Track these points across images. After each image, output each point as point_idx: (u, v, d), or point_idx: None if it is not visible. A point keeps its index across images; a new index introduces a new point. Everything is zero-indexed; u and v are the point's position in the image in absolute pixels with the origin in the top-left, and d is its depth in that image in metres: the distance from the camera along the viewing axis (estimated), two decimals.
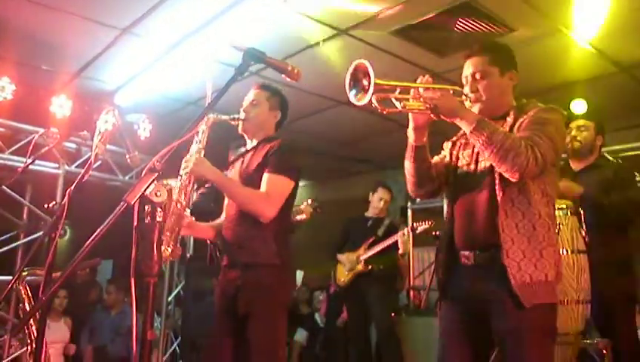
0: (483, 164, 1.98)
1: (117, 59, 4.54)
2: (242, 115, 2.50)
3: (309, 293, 6.75)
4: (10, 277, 3.80)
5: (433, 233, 4.54)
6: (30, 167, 3.99)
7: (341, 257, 4.93)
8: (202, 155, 2.31)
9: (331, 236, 5.24)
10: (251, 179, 2.42)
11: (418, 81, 1.90)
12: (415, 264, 6.40)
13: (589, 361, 3.27)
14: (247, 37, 4.00)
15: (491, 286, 1.87)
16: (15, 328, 4.27)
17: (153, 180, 1.35)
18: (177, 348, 5.90)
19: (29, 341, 2.44)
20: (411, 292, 6.19)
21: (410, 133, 2.02)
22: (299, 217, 3.88)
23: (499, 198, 1.88)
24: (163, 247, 2.04)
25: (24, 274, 2.54)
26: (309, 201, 3.93)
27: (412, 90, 1.89)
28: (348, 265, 4.85)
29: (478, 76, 2.01)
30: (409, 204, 6.55)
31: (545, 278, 1.83)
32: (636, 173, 4.95)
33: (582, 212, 2.94)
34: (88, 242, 1.28)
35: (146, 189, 1.35)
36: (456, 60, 2.32)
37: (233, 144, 2.68)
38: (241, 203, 2.39)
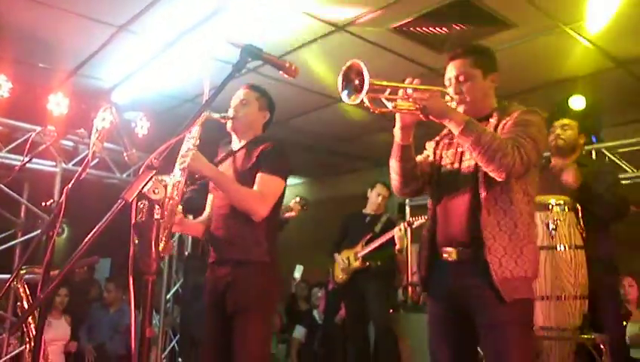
0: (467, 164, 2.02)
1: (114, 56, 4.54)
2: (231, 113, 2.51)
3: (308, 290, 6.75)
4: (8, 276, 3.81)
5: None
6: (27, 165, 3.94)
7: (337, 257, 4.94)
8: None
9: (329, 233, 5.24)
10: (244, 179, 2.43)
11: (406, 82, 1.92)
12: (413, 260, 6.39)
13: (587, 357, 3.28)
14: (244, 34, 4.00)
15: (473, 282, 1.91)
16: (13, 326, 4.26)
17: (151, 178, 1.35)
18: (176, 345, 5.92)
19: (27, 339, 2.44)
20: (409, 289, 6.18)
21: (397, 132, 2.04)
22: (288, 214, 3.99)
23: (482, 197, 1.92)
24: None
25: (22, 272, 2.54)
26: (298, 199, 4.05)
27: (401, 91, 1.91)
28: (342, 265, 4.86)
29: (461, 78, 2.04)
30: (407, 200, 6.55)
31: (524, 274, 1.88)
32: (633, 168, 5.00)
33: (579, 208, 2.97)
34: (86, 240, 1.28)
35: (143, 187, 1.34)
36: None
37: (222, 142, 2.68)
38: (236, 200, 2.39)
